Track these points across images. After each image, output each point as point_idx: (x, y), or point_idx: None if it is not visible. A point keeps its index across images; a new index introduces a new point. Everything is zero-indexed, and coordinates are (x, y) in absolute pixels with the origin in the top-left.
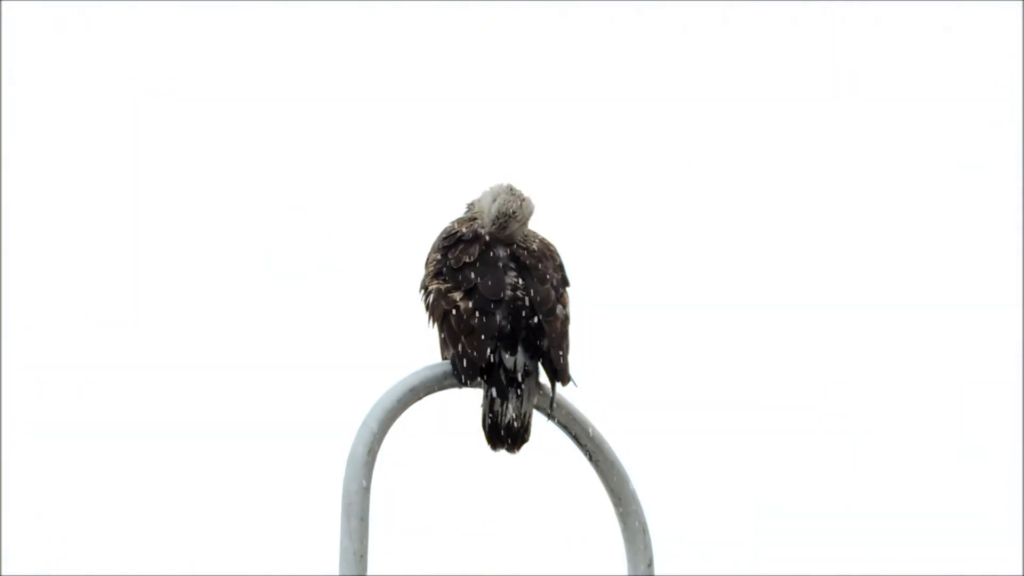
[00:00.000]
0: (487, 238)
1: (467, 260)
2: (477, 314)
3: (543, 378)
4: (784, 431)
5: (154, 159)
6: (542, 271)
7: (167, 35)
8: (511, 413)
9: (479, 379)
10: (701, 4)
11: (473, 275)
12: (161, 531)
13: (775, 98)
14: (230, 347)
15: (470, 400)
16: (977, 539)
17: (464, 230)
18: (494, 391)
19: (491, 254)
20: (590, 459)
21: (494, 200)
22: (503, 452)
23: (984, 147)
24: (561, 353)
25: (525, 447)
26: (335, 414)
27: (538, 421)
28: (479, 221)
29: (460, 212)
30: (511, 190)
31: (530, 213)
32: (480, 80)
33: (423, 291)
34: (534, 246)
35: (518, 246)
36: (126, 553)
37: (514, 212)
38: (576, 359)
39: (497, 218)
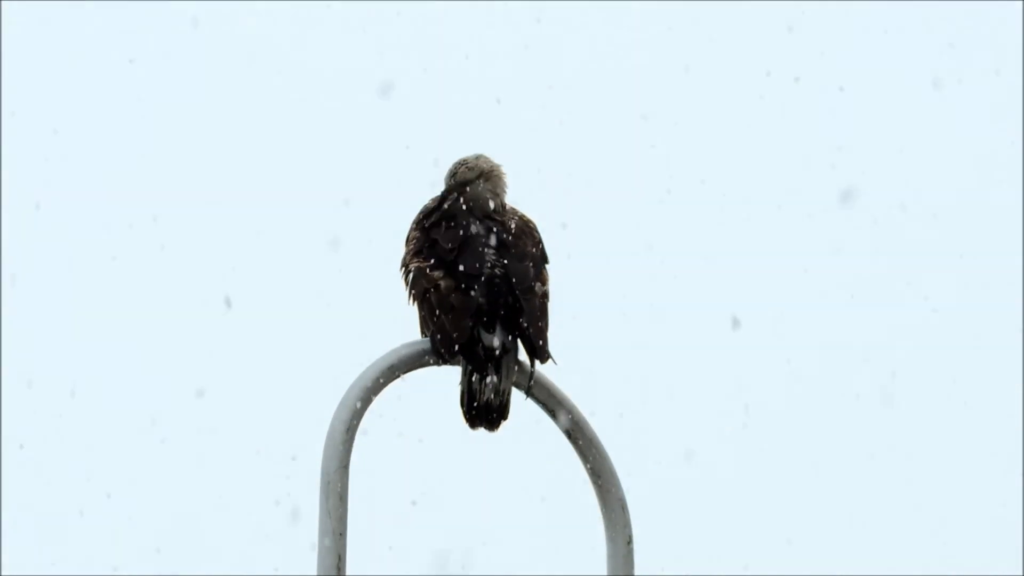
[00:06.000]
0: (448, 202)
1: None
2: (457, 292)
3: (522, 355)
4: (769, 414)
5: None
6: (520, 248)
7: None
8: (490, 391)
9: (458, 357)
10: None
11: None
12: (139, 510)
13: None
14: (210, 326)
15: (449, 378)
16: (977, 539)
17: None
18: (472, 369)
19: (471, 230)
20: (568, 437)
21: None
22: (482, 430)
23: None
24: (539, 330)
25: (504, 424)
26: (314, 392)
27: (517, 399)
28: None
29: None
30: (477, 156)
31: (489, 169)
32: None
33: (403, 269)
34: (512, 224)
35: (494, 220)
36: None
37: (464, 160)
38: (555, 336)
39: (452, 171)
